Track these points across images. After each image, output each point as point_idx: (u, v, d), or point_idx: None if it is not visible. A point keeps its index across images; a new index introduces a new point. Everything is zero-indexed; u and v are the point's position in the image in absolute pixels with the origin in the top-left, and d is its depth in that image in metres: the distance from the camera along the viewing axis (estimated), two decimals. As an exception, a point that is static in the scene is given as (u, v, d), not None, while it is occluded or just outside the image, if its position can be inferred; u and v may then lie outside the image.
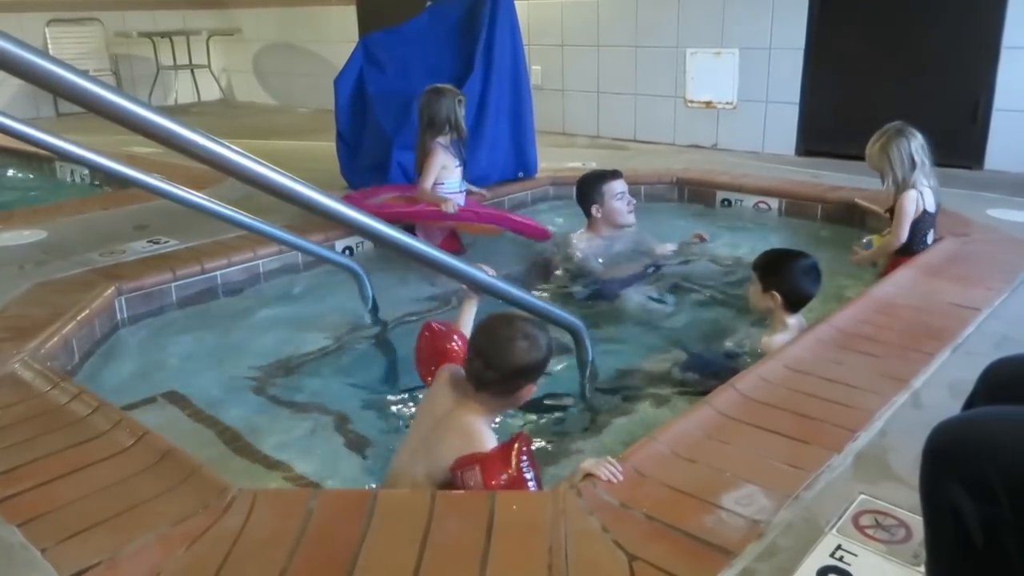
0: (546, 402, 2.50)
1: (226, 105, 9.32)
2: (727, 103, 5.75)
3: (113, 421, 1.97)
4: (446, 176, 3.70)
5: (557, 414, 2.46)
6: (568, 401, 2.54)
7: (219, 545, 1.51)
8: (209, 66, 9.29)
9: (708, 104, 5.85)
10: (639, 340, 2.96)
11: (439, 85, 3.80)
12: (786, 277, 2.49)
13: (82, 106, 1.40)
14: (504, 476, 1.69)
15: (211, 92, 9.46)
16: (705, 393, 2.08)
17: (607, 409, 2.45)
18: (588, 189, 3.59)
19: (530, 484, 1.71)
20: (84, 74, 1.39)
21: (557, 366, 2.76)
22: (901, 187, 3.04)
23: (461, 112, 3.71)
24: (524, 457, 1.72)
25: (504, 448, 1.75)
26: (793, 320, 2.53)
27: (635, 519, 1.55)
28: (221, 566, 1.45)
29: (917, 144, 3.00)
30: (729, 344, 2.75)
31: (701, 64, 5.81)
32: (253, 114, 8.49)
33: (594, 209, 3.54)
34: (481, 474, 1.69)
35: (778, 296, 2.50)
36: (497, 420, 2.01)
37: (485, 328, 1.91)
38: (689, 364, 2.67)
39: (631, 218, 3.58)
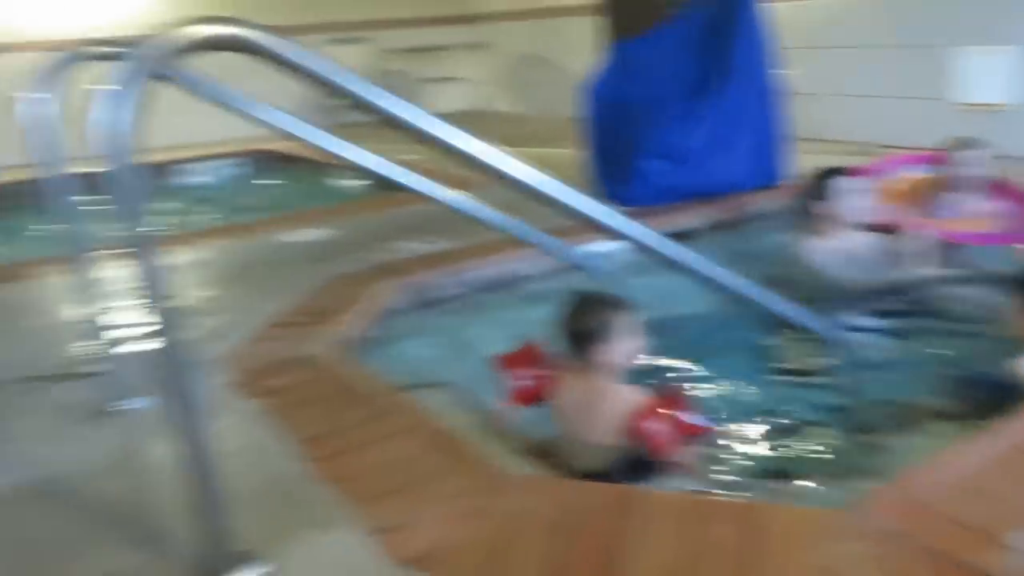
0: (806, 418, 2.43)
1: (479, 115, 9.86)
2: (1003, 105, 5.21)
3: (397, 402, 2.19)
4: None
5: (821, 430, 2.38)
6: (828, 417, 2.44)
7: (491, 526, 1.63)
8: (462, 78, 9.92)
9: (982, 106, 5.33)
10: (903, 356, 2.77)
11: None
12: None
13: (380, 119, 1.61)
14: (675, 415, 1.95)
15: (465, 103, 10.05)
16: (981, 420, 1.93)
17: (874, 429, 2.32)
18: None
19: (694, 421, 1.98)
20: (384, 93, 1.61)
21: (814, 380, 2.66)
22: None
23: None
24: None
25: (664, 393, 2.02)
26: None
27: (910, 548, 1.48)
28: (492, 546, 1.57)
29: None
30: (1007, 368, 2.49)
31: (972, 63, 5.31)
32: (504, 123, 8.89)
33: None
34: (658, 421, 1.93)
35: None
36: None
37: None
38: (963, 388, 2.46)
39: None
